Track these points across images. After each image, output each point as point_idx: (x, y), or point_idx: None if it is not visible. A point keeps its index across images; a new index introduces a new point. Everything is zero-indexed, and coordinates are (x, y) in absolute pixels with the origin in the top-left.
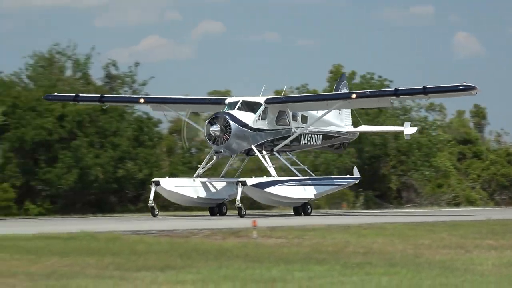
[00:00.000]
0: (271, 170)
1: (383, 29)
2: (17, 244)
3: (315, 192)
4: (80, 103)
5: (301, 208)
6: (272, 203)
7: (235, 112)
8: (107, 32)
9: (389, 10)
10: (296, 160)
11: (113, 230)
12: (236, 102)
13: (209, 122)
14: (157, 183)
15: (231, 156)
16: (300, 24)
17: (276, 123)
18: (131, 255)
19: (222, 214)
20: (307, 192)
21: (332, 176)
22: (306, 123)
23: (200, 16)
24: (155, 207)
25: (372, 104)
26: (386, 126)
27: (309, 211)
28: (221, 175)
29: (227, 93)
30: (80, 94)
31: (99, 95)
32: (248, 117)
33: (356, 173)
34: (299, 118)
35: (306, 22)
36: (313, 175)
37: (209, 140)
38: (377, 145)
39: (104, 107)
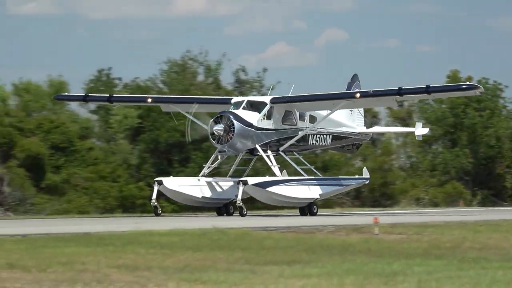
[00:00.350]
0: (275, 169)
1: (498, 36)
2: (152, 240)
3: (321, 192)
4: (89, 103)
5: (307, 208)
6: (275, 203)
7: (239, 112)
8: (237, 39)
9: (503, 18)
10: (303, 160)
11: (243, 226)
12: (242, 102)
13: (213, 121)
14: (160, 183)
15: (236, 156)
16: (419, 31)
17: (282, 122)
18: (260, 250)
19: (229, 214)
20: (312, 192)
21: (339, 177)
22: (314, 123)
23: (324, 25)
24: (158, 206)
25: (378, 104)
26: (398, 127)
27: (315, 211)
28: (228, 175)
29: None
30: (90, 94)
31: (107, 95)
32: (252, 117)
33: (365, 174)
34: (307, 118)
35: (424, 29)
36: (320, 175)
37: (213, 140)
38: (492, 146)
39: (114, 107)
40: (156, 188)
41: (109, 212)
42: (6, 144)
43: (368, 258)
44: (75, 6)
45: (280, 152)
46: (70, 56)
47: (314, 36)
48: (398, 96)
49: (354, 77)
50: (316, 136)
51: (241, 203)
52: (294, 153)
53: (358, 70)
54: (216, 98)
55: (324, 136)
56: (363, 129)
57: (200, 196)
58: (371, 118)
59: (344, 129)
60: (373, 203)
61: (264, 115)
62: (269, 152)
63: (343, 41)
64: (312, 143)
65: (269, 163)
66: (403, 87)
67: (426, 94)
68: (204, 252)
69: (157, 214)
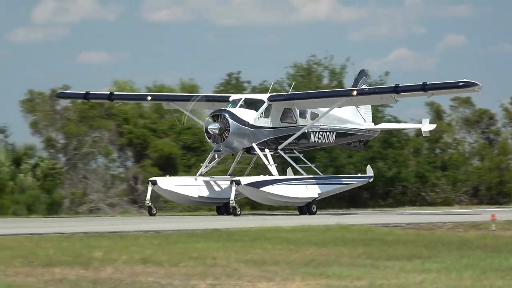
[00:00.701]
0: (272, 169)
1: None
2: (279, 236)
3: (320, 191)
4: (91, 100)
5: (306, 207)
6: (271, 203)
7: (235, 110)
8: (360, 44)
9: None
10: (303, 158)
11: (365, 223)
12: (239, 100)
13: (208, 119)
14: (154, 183)
15: (232, 155)
16: None
17: (281, 121)
18: (382, 245)
19: (230, 213)
20: (310, 191)
21: (340, 175)
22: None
23: (444, 30)
24: (152, 206)
25: (376, 101)
26: (405, 123)
27: (314, 210)
28: (228, 173)
29: (466, 101)
30: (91, 92)
31: (108, 92)
32: (249, 115)
33: (369, 172)
34: (308, 115)
35: None
36: (320, 173)
37: (209, 139)
38: None
39: (116, 105)
40: (150, 188)
41: None
42: (140, 144)
43: (486, 254)
44: (206, 13)
45: (279, 151)
46: (201, 60)
47: (433, 41)
48: (395, 94)
49: (361, 73)
50: (319, 133)
51: (234, 203)
52: (294, 151)
53: (476, 75)
54: (215, 96)
55: (327, 133)
56: (371, 126)
57: (197, 196)
58: (487, 120)
59: (349, 126)
60: (490, 200)
61: (262, 113)
62: (266, 150)
63: (462, 46)
64: (314, 141)
65: (266, 162)
66: (400, 85)
67: (422, 92)
68: (328, 247)
69: (152, 214)
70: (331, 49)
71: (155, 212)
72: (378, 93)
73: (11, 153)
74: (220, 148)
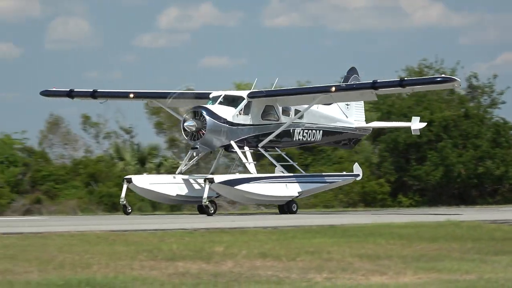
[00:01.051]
0: (251, 167)
1: None
2: (392, 231)
3: (300, 190)
4: (75, 98)
5: (286, 206)
6: (247, 201)
7: (213, 107)
8: (469, 48)
9: None
10: (285, 156)
11: (475, 219)
12: (219, 97)
13: (185, 116)
14: (129, 180)
15: (211, 152)
16: None
17: (262, 118)
18: (490, 241)
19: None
20: (289, 190)
21: (323, 173)
22: (301, 118)
23: None
24: (127, 204)
25: (356, 98)
26: (395, 122)
27: (294, 209)
28: (210, 171)
29: None
30: (75, 89)
31: (91, 90)
32: (227, 112)
33: (357, 170)
34: (291, 113)
35: None
36: (303, 171)
37: (186, 136)
38: None
39: (100, 102)
40: (125, 186)
41: (352, 206)
42: None
43: None
44: (322, 19)
45: (259, 148)
46: (317, 64)
47: None
48: (373, 90)
49: (352, 70)
50: (304, 131)
51: (207, 202)
52: (276, 149)
53: None
54: (195, 93)
55: (313, 131)
56: (362, 124)
57: (175, 194)
58: None
59: (337, 124)
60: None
61: (241, 110)
62: (245, 148)
63: None
64: (299, 139)
65: (244, 160)
66: (378, 80)
67: (400, 88)
68: (439, 243)
69: (127, 213)
70: (441, 53)
71: (130, 210)
72: (356, 89)
73: (136, 152)
74: (197, 146)
